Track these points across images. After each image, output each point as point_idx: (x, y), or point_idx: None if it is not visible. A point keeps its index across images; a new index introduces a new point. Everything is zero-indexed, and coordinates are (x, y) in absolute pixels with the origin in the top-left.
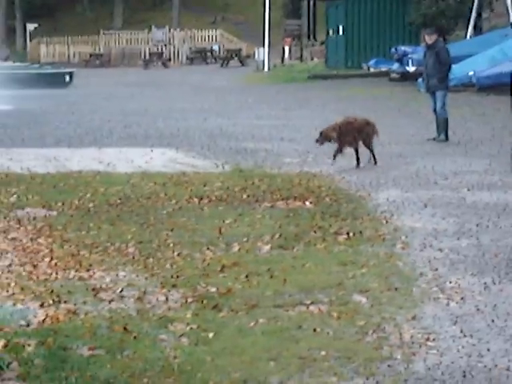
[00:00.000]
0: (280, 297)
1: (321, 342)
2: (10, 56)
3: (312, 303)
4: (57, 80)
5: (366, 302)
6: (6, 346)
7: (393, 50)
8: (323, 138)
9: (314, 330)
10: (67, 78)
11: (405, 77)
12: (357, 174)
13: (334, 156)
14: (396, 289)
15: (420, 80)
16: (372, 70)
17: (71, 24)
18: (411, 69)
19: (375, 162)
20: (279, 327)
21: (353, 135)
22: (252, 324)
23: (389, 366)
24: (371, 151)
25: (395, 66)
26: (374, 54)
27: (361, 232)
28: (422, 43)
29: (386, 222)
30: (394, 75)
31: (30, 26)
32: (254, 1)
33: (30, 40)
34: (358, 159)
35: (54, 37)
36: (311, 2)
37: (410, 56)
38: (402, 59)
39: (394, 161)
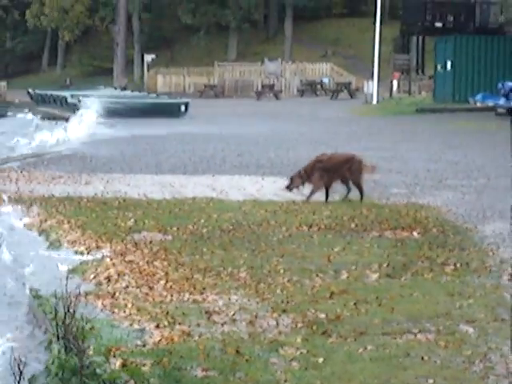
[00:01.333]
0: (388, 324)
1: (428, 370)
2: (127, 86)
3: (419, 332)
4: (173, 110)
5: (473, 332)
6: (123, 365)
7: (499, 85)
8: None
9: (422, 358)
10: (183, 108)
11: (511, 112)
12: (464, 207)
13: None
14: (502, 319)
15: None
16: (479, 104)
17: (187, 55)
18: None
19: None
20: (387, 354)
21: (331, 173)
22: (361, 350)
23: None
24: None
25: (502, 101)
26: (481, 88)
27: (467, 263)
28: None
29: (493, 253)
30: (500, 110)
31: (148, 57)
32: (363, 35)
33: (148, 70)
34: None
35: (170, 67)
36: (420, 38)
37: None
38: (508, 94)
39: (501, 194)
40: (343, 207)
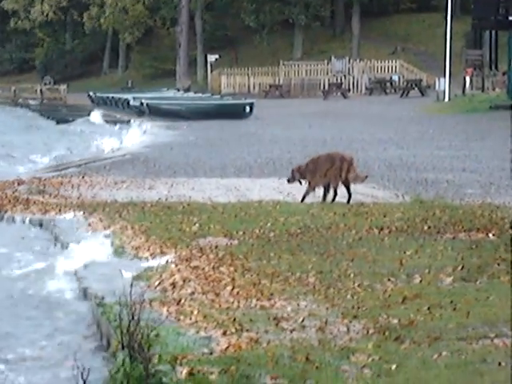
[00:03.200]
0: (463, 329)
1: (506, 376)
2: (190, 87)
3: (496, 336)
4: (237, 111)
5: None
6: (189, 373)
7: None
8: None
9: (499, 363)
10: (247, 109)
11: None
12: None
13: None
14: None
15: None
16: None
17: (251, 55)
18: None
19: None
20: (463, 360)
21: (323, 173)
22: (435, 356)
23: None
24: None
25: None
26: None
27: None
28: None
29: None
30: None
31: (211, 58)
32: (434, 31)
33: (211, 71)
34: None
35: (234, 68)
36: (493, 32)
37: None
38: None
39: None
40: (415, 208)
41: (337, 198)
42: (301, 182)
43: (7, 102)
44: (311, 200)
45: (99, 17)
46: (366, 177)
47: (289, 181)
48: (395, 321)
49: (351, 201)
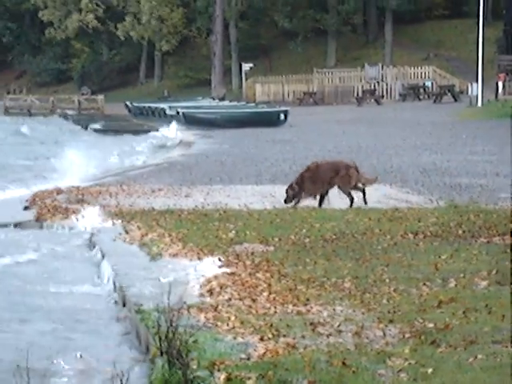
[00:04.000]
0: (499, 333)
1: None
2: (225, 96)
3: None
4: (272, 118)
5: None
6: (227, 379)
7: None
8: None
9: None
10: (282, 117)
11: None
12: None
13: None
14: None
15: None
16: None
17: (285, 63)
18: None
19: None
20: (499, 363)
21: (326, 181)
22: (471, 360)
23: None
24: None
25: None
26: None
27: None
28: None
29: None
30: None
31: (246, 66)
32: (466, 37)
33: (246, 80)
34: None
35: (268, 76)
36: None
37: None
38: None
39: None
40: (449, 213)
41: (372, 204)
42: (298, 201)
43: (46, 112)
44: (345, 206)
45: (134, 25)
46: (377, 178)
47: (285, 201)
48: (431, 325)
49: (385, 206)
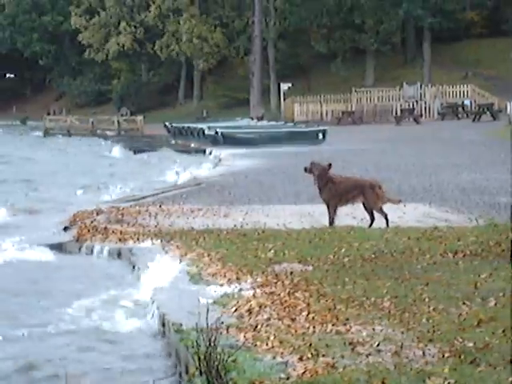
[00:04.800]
0: None
1: None
2: (264, 116)
3: None
4: (310, 137)
5: None
6: None
7: None
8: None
9: None
10: (320, 136)
11: None
12: None
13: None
14: None
15: None
16: None
17: (323, 83)
18: None
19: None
20: None
21: (348, 198)
22: (510, 379)
23: None
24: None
25: None
26: None
27: None
28: None
29: None
30: None
31: (284, 86)
32: (505, 55)
33: (284, 99)
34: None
35: (307, 95)
36: None
37: None
38: None
39: None
40: (489, 232)
41: (411, 223)
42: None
43: (86, 133)
44: (383, 225)
45: (171, 44)
46: (400, 200)
47: (305, 169)
48: (471, 344)
49: (424, 225)
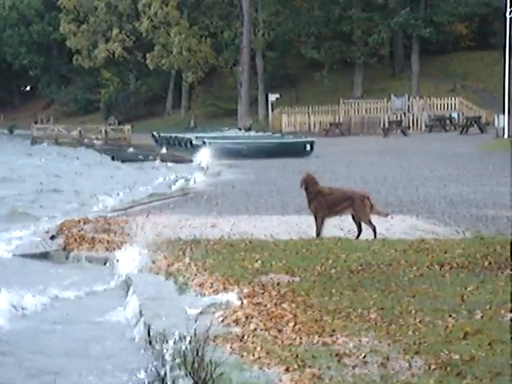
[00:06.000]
0: None
1: None
2: (252, 126)
3: None
4: (298, 149)
5: None
6: None
7: None
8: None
9: None
10: (308, 147)
11: None
12: None
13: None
14: None
15: None
16: None
17: (312, 94)
18: None
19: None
20: None
21: (337, 209)
22: None
23: None
24: (357, 225)
25: None
26: None
27: None
28: None
29: None
30: None
31: (272, 97)
32: (493, 68)
33: (272, 110)
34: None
35: (295, 106)
36: None
37: None
38: None
39: None
40: (476, 245)
41: (398, 235)
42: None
43: (73, 142)
44: (370, 237)
45: (162, 56)
46: (388, 214)
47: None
48: (457, 356)
49: (411, 237)
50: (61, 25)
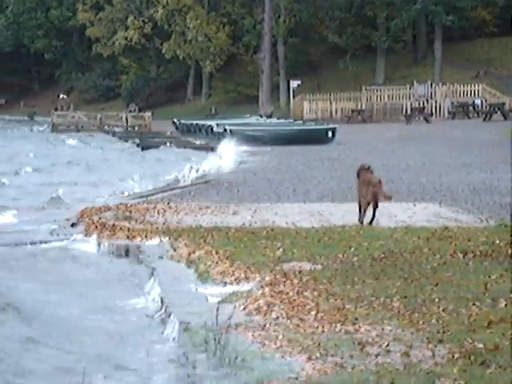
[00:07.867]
0: None
1: None
2: (273, 113)
3: None
4: (320, 136)
5: None
6: None
7: None
8: None
9: None
10: (330, 134)
11: None
12: None
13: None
14: None
15: None
16: None
17: (333, 81)
18: None
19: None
20: None
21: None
22: None
23: None
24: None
25: None
26: None
27: None
28: None
29: None
30: None
31: (294, 84)
32: None
33: (293, 97)
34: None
35: (316, 93)
36: None
37: None
38: None
39: None
40: (499, 232)
41: (421, 223)
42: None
43: (94, 129)
44: (394, 224)
45: (179, 44)
46: (390, 197)
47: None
48: (481, 345)
49: (434, 225)
50: (78, 13)
